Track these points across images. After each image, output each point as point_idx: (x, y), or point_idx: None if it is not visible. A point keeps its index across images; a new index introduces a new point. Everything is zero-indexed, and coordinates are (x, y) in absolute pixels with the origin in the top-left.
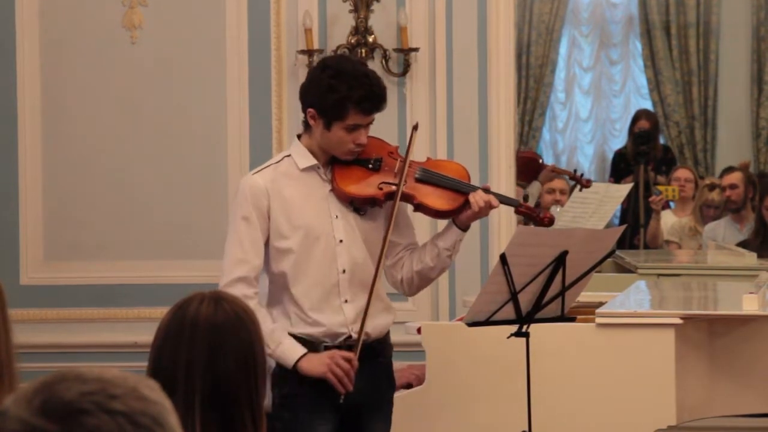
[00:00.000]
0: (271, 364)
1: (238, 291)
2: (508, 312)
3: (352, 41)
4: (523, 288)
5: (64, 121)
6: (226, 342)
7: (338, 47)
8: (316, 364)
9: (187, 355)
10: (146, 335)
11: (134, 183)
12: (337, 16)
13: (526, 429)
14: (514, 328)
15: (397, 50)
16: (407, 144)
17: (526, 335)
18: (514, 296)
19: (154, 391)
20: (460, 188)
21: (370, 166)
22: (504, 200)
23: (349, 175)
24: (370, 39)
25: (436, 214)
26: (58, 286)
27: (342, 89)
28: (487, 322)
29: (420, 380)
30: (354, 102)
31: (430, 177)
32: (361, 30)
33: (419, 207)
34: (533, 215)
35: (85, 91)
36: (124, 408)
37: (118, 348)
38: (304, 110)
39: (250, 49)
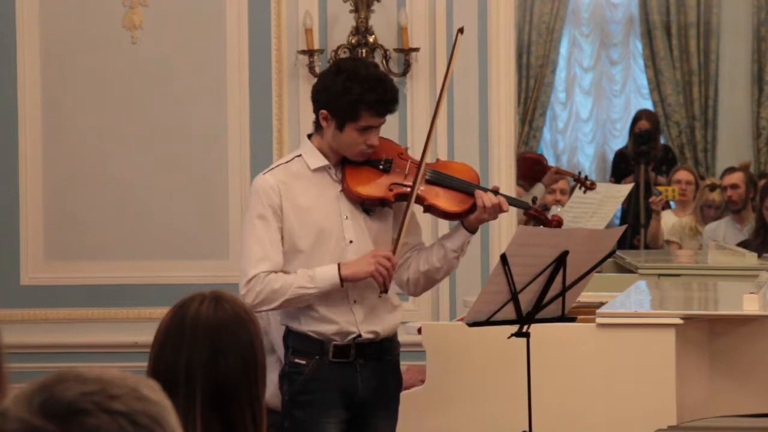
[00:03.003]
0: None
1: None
2: (509, 312)
3: (353, 41)
4: (524, 288)
5: (64, 121)
6: (226, 342)
7: (338, 47)
8: (362, 266)
9: (188, 355)
10: (146, 335)
11: (134, 183)
12: (337, 16)
13: (527, 429)
14: (514, 328)
15: (398, 50)
16: (452, 50)
17: (527, 335)
18: (514, 296)
19: (154, 392)
20: (469, 190)
21: (381, 166)
22: (514, 203)
23: (359, 175)
24: (371, 39)
25: (446, 215)
26: (58, 286)
27: (355, 91)
28: (488, 322)
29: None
30: (367, 104)
31: (440, 179)
32: (362, 30)
33: (429, 208)
34: (542, 218)
35: (85, 91)
36: (124, 408)
37: (118, 348)
38: (317, 111)
39: (251, 49)
